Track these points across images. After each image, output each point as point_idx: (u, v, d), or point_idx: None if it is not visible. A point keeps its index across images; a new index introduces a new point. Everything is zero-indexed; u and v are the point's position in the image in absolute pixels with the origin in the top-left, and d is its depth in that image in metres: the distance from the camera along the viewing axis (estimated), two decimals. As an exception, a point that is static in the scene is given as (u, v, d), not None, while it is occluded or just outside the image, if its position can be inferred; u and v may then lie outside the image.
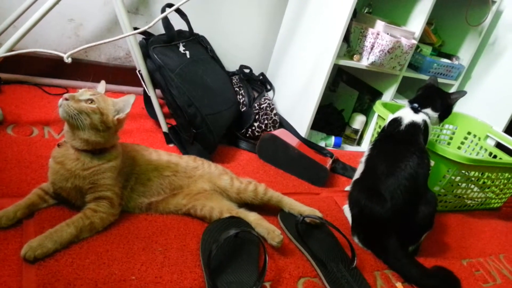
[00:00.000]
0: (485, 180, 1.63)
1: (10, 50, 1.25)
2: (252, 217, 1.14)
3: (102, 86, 1.08)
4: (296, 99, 1.88)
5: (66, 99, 0.94)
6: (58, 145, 1.00)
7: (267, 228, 1.11)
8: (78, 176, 0.97)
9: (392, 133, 1.36)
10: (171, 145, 1.51)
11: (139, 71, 1.52)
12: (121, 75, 1.82)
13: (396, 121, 1.38)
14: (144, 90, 1.54)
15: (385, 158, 1.27)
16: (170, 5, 1.58)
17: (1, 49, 1.24)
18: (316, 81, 1.74)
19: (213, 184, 1.19)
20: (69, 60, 1.21)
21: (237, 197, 1.19)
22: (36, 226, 0.96)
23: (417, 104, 1.40)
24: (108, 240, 0.98)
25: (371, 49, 1.74)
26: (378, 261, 1.22)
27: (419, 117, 1.37)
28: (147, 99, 1.63)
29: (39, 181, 1.08)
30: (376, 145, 1.35)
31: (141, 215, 1.10)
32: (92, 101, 0.97)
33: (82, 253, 0.93)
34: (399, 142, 1.33)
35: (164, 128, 1.52)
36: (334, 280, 1.05)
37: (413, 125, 1.36)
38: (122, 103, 1.02)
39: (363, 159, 1.36)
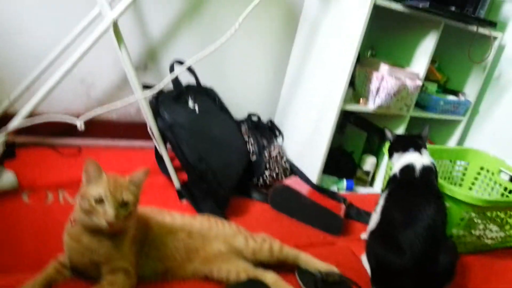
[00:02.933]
0: (504, 218, 1.61)
1: (29, 115, 1.28)
2: (270, 278, 1.12)
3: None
4: (305, 145, 1.89)
5: (111, 223, 0.92)
6: (71, 222, 1.00)
7: (287, 289, 1.09)
8: (94, 251, 0.97)
9: (407, 181, 1.35)
10: (184, 201, 1.52)
11: (150, 129, 1.55)
12: (132, 131, 1.85)
13: (409, 168, 1.38)
14: (155, 146, 1.56)
15: (401, 208, 1.27)
16: (179, 62, 1.63)
17: (20, 115, 1.27)
18: (324, 126, 1.75)
19: (228, 244, 1.18)
20: (82, 127, 1.24)
21: (253, 257, 1.18)
22: (55, 302, 0.95)
23: (413, 148, 1.41)
24: (127, 313, 0.97)
25: (377, 92, 1.76)
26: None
27: (427, 160, 1.37)
28: (158, 155, 1.65)
29: (56, 250, 1.06)
30: (391, 194, 1.34)
31: (159, 283, 1.09)
32: (126, 204, 0.96)
33: (101, 328, 0.92)
34: (415, 189, 1.32)
35: (177, 185, 1.53)
36: None
37: (426, 169, 1.36)
38: (138, 182, 1.01)
39: (378, 208, 1.35)
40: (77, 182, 1.45)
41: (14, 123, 1.25)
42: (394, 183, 1.39)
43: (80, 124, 1.21)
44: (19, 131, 1.58)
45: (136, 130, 1.85)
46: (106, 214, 0.91)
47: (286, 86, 2.06)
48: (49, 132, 1.68)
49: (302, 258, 1.24)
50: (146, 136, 1.71)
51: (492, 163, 1.93)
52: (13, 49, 1.57)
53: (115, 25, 1.34)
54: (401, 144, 1.47)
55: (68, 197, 1.39)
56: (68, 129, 1.70)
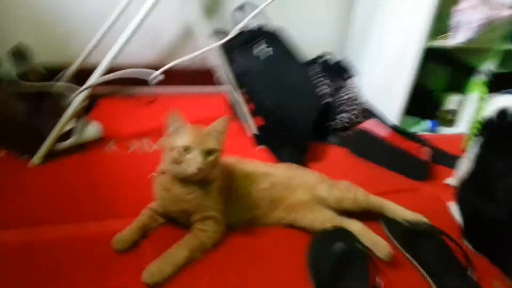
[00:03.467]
0: None
1: (106, 71, 1.29)
2: (356, 227, 1.10)
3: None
4: (384, 85, 1.78)
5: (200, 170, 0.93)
6: (160, 172, 1.03)
7: (373, 240, 1.07)
8: (184, 200, 1.00)
9: (504, 127, 1.23)
10: (261, 147, 1.50)
11: (223, 74, 1.52)
12: (201, 77, 1.83)
13: (504, 114, 1.25)
14: (228, 92, 1.54)
15: (499, 156, 1.16)
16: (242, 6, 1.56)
17: (99, 70, 1.28)
18: (406, 64, 1.62)
19: (312, 193, 1.16)
20: (161, 77, 1.23)
21: (337, 206, 1.16)
22: (152, 248, 1.00)
23: None
24: (219, 259, 1.00)
25: (466, 24, 1.57)
26: (495, 267, 1.13)
27: None
28: (232, 101, 1.63)
29: (146, 198, 1.11)
30: (488, 141, 1.23)
31: (245, 230, 1.11)
32: (212, 151, 0.97)
33: (196, 274, 0.96)
34: None
35: (253, 130, 1.52)
36: (450, 293, 0.99)
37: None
38: (221, 130, 1.01)
39: (470, 155, 1.25)
40: (157, 130, 1.49)
41: (96, 78, 1.27)
42: (490, 129, 1.27)
43: (160, 73, 1.21)
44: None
45: (206, 76, 1.82)
46: (195, 161, 0.93)
47: (358, 21, 1.91)
48: (125, 82, 1.71)
49: (388, 206, 1.20)
50: (217, 81, 1.69)
51: None
52: (83, 4, 1.57)
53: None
54: (499, 84, 1.32)
55: (151, 143, 1.43)
56: (143, 79, 1.72)
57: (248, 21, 1.49)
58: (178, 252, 0.96)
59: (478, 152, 1.23)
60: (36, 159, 1.24)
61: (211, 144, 0.96)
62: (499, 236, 1.11)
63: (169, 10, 1.67)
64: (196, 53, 1.24)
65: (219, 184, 1.05)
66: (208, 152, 0.96)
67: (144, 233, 1.04)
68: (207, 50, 1.26)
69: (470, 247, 1.18)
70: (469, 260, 1.05)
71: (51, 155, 1.27)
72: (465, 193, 1.18)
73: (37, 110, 1.33)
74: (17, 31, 1.58)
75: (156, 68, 1.30)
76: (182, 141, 0.94)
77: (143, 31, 1.65)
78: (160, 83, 1.75)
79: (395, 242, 1.14)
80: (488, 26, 1.56)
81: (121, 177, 1.24)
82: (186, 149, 0.94)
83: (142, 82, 1.72)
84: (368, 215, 1.19)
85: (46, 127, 1.27)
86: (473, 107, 1.79)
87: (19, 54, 1.39)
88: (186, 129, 0.96)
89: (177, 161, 0.95)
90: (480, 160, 1.21)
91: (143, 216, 1.06)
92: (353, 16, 1.93)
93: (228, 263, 1.00)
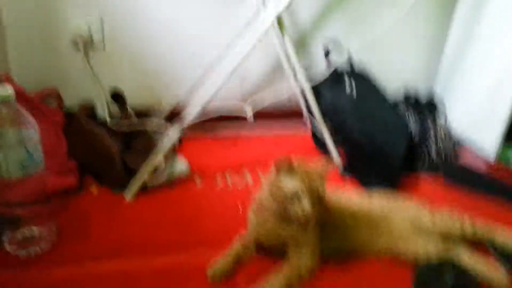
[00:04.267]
0: None
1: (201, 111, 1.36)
2: (464, 255, 1.00)
3: None
4: (477, 115, 1.66)
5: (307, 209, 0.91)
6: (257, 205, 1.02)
7: (487, 268, 0.96)
8: (280, 234, 0.98)
9: None
10: (347, 177, 1.46)
11: (308, 112, 1.53)
12: (285, 117, 1.85)
13: None
14: (313, 130, 1.54)
15: None
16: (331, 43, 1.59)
17: (193, 111, 1.35)
18: (504, 96, 1.51)
19: (413, 222, 1.08)
20: (251, 119, 1.26)
21: (441, 234, 1.06)
22: (246, 278, 0.97)
23: None
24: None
25: None
26: None
27: None
28: (316, 138, 1.63)
29: (232, 230, 1.10)
30: None
31: (343, 261, 1.04)
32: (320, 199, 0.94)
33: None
34: None
35: (337, 161, 1.49)
36: None
37: None
38: (324, 175, 0.98)
39: None
40: (241, 167, 1.51)
41: (190, 118, 1.33)
42: None
43: (250, 117, 1.24)
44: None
45: (289, 117, 1.85)
46: (304, 208, 0.90)
47: (449, 52, 1.85)
48: (209, 124, 1.77)
49: (499, 233, 1.08)
50: (301, 122, 1.70)
51: None
52: (180, 53, 1.69)
53: (279, 19, 1.39)
54: None
55: (236, 181, 1.44)
56: (225, 122, 1.78)
57: (333, 60, 1.53)
58: (275, 281, 0.92)
59: None
60: (129, 194, 1.28)
61: (321, 191, 0.94)
62: None
63: (257, 53, 1.74)
64: (285, 93, 1.27)
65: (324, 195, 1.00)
66: (317, 198, 0.93)
67: (237, 262, 1.01)
68: (295, 87, 1.29)
69: None
70: None
71: (143, 191, 1.31)
72: None
73: (127, 149, 1.42)
74: (115, 75, 1.71)
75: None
76: (291, 185, 0.91)
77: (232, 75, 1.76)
78: (245, 124, 1.81)
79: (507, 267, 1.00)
80: None
81: (208, 211, 1.27)
82: (296, 195, 0.91)
83: (223, 126, 1.79)
84: (476, 244, 1.08)
85: (137, 163, 1.33)
86: None
87: (116, 97, 1.51)
88: (295, 173, 0.92)
89: (283, 202, 0.93)
90: None
91: (236, 246, 1.04)
92: (446, 50, 1.89)
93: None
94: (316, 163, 0.96)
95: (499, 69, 1.56)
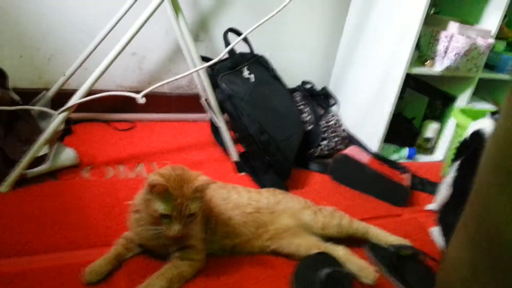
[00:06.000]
0: None
1: (87, 93, 1.26)
2: (341, 252, 1.08)
3: None
4: (364, 112, 1.79)
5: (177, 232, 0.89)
6: (136, 210, 0.98)
7: (359, 265, 1.04)
8: (161, 236, 0.94)
9: (477, 149, 1.25)
10: (243, 174, 1.48)
11: (206, 100, 1.51)
12: (184, 103, 1.82)
13: (479, 135, 1.27)
14: (211, 118, 1.52)
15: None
16: (231, 29, 1.57)
17: (78, 93, 1.25)
18: (387, 92, 1.65)
19: (297, 219, 1.14)
20: (143, 101, 1.20)
21: (322, 232, 1.14)
22: (126, 279, 0.94)
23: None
24: (199, 289, 0.96)
25: (445, 53, 1.62)
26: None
27: None
28: (214, 127, 1.61)
29: (123, 226, 1.07)
30: (463, 164, 1.25)
31: (228, 258, 1.06)
32: (193, 216, 0.92)
33: (175, 305, 0.90)
34: None
35: (235, 157, 1.49)
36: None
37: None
38: (203, 190, 0.94)
39: (449, 180, 1.26)
40: (134, 157, 1.46)
41: (75, 100, 1.23)
42: (466, 151, 1.29)
43: (141, 97, 1.17)
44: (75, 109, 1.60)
45: (189, 102, 1.81)
46: (172, 230, 0.88)
47: (342, 51, 1.95)
48: (103, 108, 1.68)
49: (372, 231, 1.18)
50: (199, 108, 1.68)
51: None
52: (66, 27, 1.55)
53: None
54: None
55: (128, 172, 1.38)
56: (121, 105, 1.69)
57: (234, 47, 1.50)
58: (155, 283, 0.90)
59: (455, 175, 1.24)
60: (4, 186, 1.17)
61: (193, 209, 0.90)
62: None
63: (156, 32, 1.67)
64: (178, 76, 1.21)
65: (200, 211, 1.00)
66: (189, 216, 0.91)
67: (118, 264, 0.98)
68: (189, 73, 1.24)
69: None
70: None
71: (23, 182, 1.21)
72: (447, 217, 1.18)
73: (8, 134, 1.28)
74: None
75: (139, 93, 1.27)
76: (162, 208, 0.87)
77: (128, 53, 1.66)
78: (141, 109, 1.74)
79: (380, 266, 1.11)
80: (466, 55, 1.61)
81: (95, 205, 1.19)
82: (166, 217, 0.89)
83: (120, 108, 1.71)
84: (352, 241, 1.17)
85: (17, 152, 1.22)
86: (450, 134, 1.82)
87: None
88: (168, 197, 0.88)
89: (156, 222, 0.90)
90: (458, 183, 1.22)
91: (117, 246, 1.00)
92: (340, 45, 1.97)
93: (209, 292, 0.95)
94: (196, 175, 0.93)
95: (382, 71, 1.68)
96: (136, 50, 1.67)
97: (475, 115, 1.65)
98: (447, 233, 1.20)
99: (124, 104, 1.69)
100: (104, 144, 1.52)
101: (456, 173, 1.26)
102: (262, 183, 1.38)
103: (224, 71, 1.47)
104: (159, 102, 1.77)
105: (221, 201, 1.09)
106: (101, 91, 1.26)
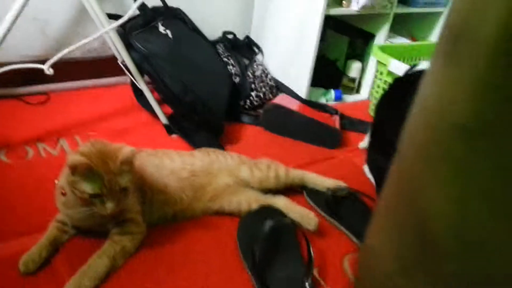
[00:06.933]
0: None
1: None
2: (281, 202, 1.10)
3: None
4: (289, 58, 1.79)
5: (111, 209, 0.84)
6: (61, 193, 0.90)
7: (300, 213, 1.07)
8: (94, 215, 0.88)
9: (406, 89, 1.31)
10: (174, 136, 1.43)
11: (122, 62, 1.41)
12: (100, 67, 1.69)
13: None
14: (132, 81, 1.43)
15: (389, 109, 1.24)
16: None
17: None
18: (308, 36, 1.64)
19: (234, 176, 1.13)
20: (50, 71, 1.09)
21: (260, 186, 1.14)
22: (66, 264, 0.90)
23: None
24: (145, 261, 0.93)
25: (360, -8, 1.63)
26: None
27: None
28: (136, 89, 1.52)
29: (51, 208, 0.98)
30: (381, 99, 1.31)
31: (171, 226, 1.04)
32: (125, 190, 0.87)
33: (122, 282, 0.88)
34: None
35: (163, 119, 1.43)
36: (377, 251, 1.03)
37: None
38: (129, 161, 0.88)
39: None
40: (54, 132, 1.36)
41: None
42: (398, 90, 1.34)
43: (48, 69, 1.06)
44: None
45: (105, 66, 1.69)
46: (107, 208, 0.83)
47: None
48: (11, 82, 1.51)
49: (309, 177, 1.21)
50: (117, 71, 1.57)
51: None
52: None
53: None
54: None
55: (49, 149, 1.28)
56: (31, 77, 1.54)
57: (145, 1, 1.39)
58: (97, 263, 0.87)
59: (375, 112, 1.29)
60: None
61: (124, 183, 0.85)
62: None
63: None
64: (85, 40, 1.11)
65: (132, 184, 0.96)
66: (121, 191, 0.85)
67: (55, 249, 0.92)
68: (97, 36, 1.14)
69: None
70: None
71: None
72: (371, 153, 1.24)
73: None
74: None
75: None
76: (91, 188, 0.81)
77: (28, 18, 1.48)
78: (52, 79, 1.59)
79: (319, 210, 1.15)
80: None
81: (19, 190, 1.10)
82: (96, 196, 0.83)
83: (30, 80, 1.55)
84: (292, 189, 1.20)
85: None
86: (373, 72, 1.88)
87: None
88: (94, 175, 0.81)
89: (86, 203, 0.84)
90: (376, 119, 1.27)
91: (52, 229, 0.94)
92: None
93: (156, 264, 0.93)
94: (119, 148, 0.87)
95: (301, 14, 1.67)
96: (36, 14, 1.50)
97: (394, 51, 1.71)
98: (372, 169, 1.27)
99: (34, 75, 1.53)
100: (17, 122, 1.39)
101: (376, 109, 1.31)
102: (195, 144, 1.34)
103: (136, 29, 1.37)
104: (72, 69, 1.63)
105: (154, 169, 1.05)
106: (3, 64, 1.13)
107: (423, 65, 1.35)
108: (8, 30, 1.12)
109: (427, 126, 0.39)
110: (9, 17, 1.11)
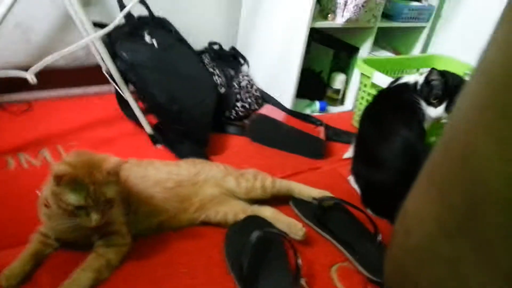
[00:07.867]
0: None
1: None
2: (268, 212, 1.10)
3: None
4: (274, 70, 1.80)
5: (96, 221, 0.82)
6: (45, 205, 0.88)
7: (287, 223, 1.07)
8: (78, 228, 0.86)
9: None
10: (159, 146, 1.42)
11: (107, 71, 1.39)
12: (85, 76, 1.67)
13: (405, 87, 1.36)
14: (116, 90, 1.42)
15: (369, 122, 1.28)
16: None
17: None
18: (293, 48, 1.66)
19: (220, 187, 1.12)
20: (33, 79, 1.08)
21: (246, 196, 1.14)
22: (49, 277, 0.87)
23: None
24: (129, 273, 0.92)
25: (345, 5, 1.66)
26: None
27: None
28: (120, 99, 1.51)
29: (34, 220, 0.94)
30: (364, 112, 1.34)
31: (157, 237, 1.03)
32: (110, 202, 0.85)
33: (106, 295, 0.86)
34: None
35: (148, 129, 1.42)
36: (364, 260, 1.03)
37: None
38: (116, 171, 0.86)
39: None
40: (36, 142, 1.33)
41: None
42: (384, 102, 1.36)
43: (31, 77, 1.05)
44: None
45: (89, 74, 1.67)
46: (92, 219, 0.81)
47: (245, 9, 1.91)
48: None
49: (295, 188, 1.21)
50: (101, 80, 1.55)
51: (457, 68, 1.93)
52: None
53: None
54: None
55: (31, 159, 1.26)
56: (14, 85, 1.51)
57: (131, 10, 1.39)
58: (81, 276, 0.84)
59: (359, 123, 1.32)
60: None
61: (109, 194, 0.83)
62: (391, 197, 1.19)
63: (39, 1, 1.49)
64: (70, 48, 1.10)
65: (117, 195, 0.94)
66: (106, 203, 0.84)
67: (38, 262, 0.90)
68: (81, 44, 1.13)
69: (371, 213, 1.24)
70: (375, 225, 1.10)
71: None
72: (356, 164, 1.26)
73: None
74: None
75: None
76: (75, 200, 0.79)
77: (9, 25, 1.46)
78: (34, 87, 1.56)
79: (306, 220, 1.16)
80: (364, 6, 1.67)
81: (0, 202, 1.07)
82: (81, 208, 0.81)
83: (12, 89, 1.52)
84: (278, 199, 1.20)
85: None
86: (357, 84, 1.90)
87: None
88: (79, 186, 0.80)
89: (71, 214, 0.82)
90: (360, 130, 1.30)
91: (34, 243, 0.91)
92: (243, 2, 1.92)
93: (140, 275, 0.92)
94: (105, 158, 0.86)
95: (287, 27, 1.69)
96: (20, 20, 1.48)
97: (377, 64, 1.74)
98: (357, 179, 1.29)
99: (16, 83, 1.50)
100: (-1, 131, 1.36)
101: (360, 121, 1.33)
102: (180, 154, 1.33)
103: (122, 38, 1.36)
104: (56, 77, 1.61)
105: (139, 179, 1.03)
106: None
107: (406, 78, 1.37)
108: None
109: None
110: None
